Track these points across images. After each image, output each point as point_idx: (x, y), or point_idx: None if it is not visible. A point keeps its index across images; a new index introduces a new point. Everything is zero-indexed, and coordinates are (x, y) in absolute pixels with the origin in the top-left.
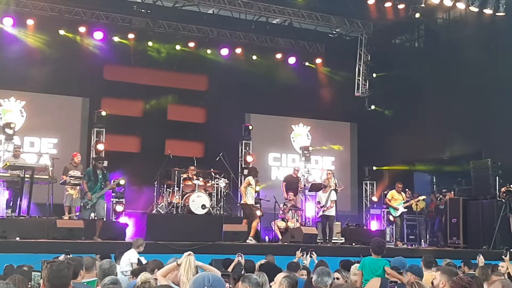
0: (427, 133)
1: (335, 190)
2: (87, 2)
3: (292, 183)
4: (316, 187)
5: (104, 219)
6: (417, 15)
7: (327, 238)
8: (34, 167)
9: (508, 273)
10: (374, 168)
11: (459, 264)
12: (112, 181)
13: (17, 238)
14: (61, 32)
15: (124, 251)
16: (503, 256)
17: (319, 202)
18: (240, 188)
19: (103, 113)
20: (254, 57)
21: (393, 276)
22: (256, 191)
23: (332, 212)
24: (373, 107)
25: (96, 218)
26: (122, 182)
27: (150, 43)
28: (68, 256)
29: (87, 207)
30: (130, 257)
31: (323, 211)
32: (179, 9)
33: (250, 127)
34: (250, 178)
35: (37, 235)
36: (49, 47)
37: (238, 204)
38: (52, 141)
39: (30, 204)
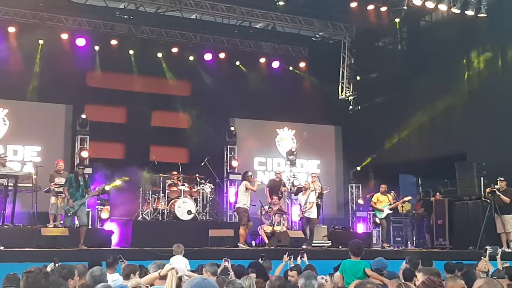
0: (412, 135)
1: (321, 193)
2: (69, 9)
3: (275, 187)
4: (300, 191)
5: (88, 226)
6: (397, 19)
7: (307, 240)
8: (17, 176)
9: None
10: (358, 168)
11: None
12: (97, 188)
13: (1, 247)
14: (43, 39)
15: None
16: (482, 257)
17: (300, 205)
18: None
19: (83, 116)
20: (238, 62)
21: (374, 277)
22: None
23: (312, 214)
24: (358, 107)
25: (79, 225)
26: (107, 188)
27: (133, 49)
28: (57, 264)
29: (69, 214)
30: (184, 263)
31: (303, 213)
32: (162, 15)
33: (232, 128)
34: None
35: (21, 243)
36: (31, 54)
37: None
38: (36, 149)
39: (14, 213)
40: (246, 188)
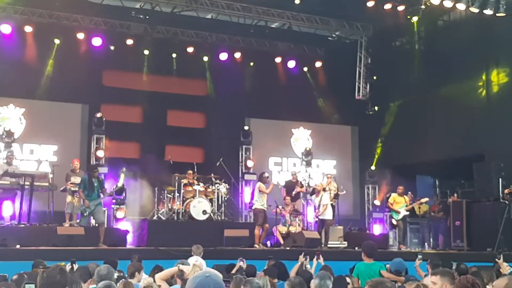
0: (429, 136)
1: (337, 194)
2: (85, 9)
3: (290, 188)
4: (314, 192)
5: (105, 225)
6: (415, 18)
7: (323, 242)
8: (34, 175)
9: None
10: (373, 168)
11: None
12: (112, 188)
13: (18, 246)
14: (60, 38)
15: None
16: (496, 259)
17: (315, 207)
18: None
19: (98, 115)
20: (253, 61)
21: (392, 279)
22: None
23: (326, 215)
24: (376, 108)
25: (96, 224)
26: (119, 185)
27: (148, 49)
28: (75, 264)
29: (85, 214)
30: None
31: (317, 216)
32: (178, 15)
33: (246, 128)
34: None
35: (37, 242)
36: (48, 54)
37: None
38: (52, 148)
39: (31, 212)
40: (260, 191)
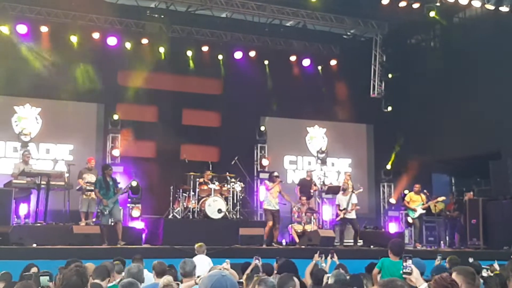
0: (445, 134)
1: (352, 192)
2: (101, 8)
3: (305, 186)
4: (333, 190)
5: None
6: (432, 13)
7: (353, 240)
8: (50, 174)
9: None
10: (388, 166)
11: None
12: (126, 186)
13: (34, 245)
14: (75, 38)
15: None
16: None
17: (339, 205)
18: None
19: (115, 117)
20: (268, 60)
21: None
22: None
23: (353, 215)
24: (389, 108)
25: (113, 223)
26: (134, 183)
27: (163, 48)
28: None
29: (105, 213)
30: (207, 262)
31: (344, 214)
32: (192, 14)
33: (262, 128)
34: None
35: (54, 241)
36: (63, 54)
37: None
38: (68, 147)
39: (47, 211)
40: (266, 190)
